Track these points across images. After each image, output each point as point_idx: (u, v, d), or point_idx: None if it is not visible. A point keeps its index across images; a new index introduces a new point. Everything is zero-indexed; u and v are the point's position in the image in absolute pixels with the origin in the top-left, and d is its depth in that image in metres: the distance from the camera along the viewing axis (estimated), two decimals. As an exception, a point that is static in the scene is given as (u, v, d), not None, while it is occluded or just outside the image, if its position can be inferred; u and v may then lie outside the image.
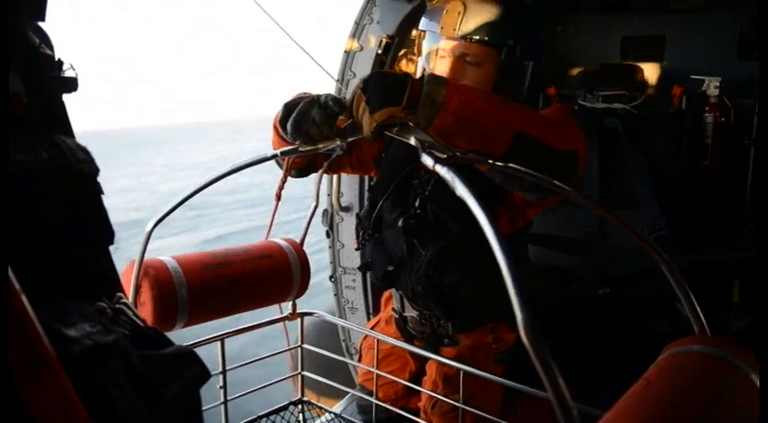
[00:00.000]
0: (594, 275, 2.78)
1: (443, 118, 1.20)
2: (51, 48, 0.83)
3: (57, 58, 0.83)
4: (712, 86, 2.78)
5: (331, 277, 3.06)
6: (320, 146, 1.34)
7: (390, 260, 1.83)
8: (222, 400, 1.69)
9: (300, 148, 1.37)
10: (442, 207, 1.69)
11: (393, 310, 2.06)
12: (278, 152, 1.39)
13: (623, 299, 2.69)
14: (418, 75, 1.78)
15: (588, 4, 3.11)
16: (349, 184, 2.90)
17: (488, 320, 1.83)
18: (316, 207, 1.79)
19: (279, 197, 1.74)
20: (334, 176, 2.86)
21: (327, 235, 3.01)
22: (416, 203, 1.73)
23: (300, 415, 1.87)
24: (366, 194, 2.84)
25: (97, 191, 0.76)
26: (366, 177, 2.81)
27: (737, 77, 2.69)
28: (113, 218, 0.76)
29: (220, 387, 1.68)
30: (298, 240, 1.79)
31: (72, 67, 0.84)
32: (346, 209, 2.92)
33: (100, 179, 0.75)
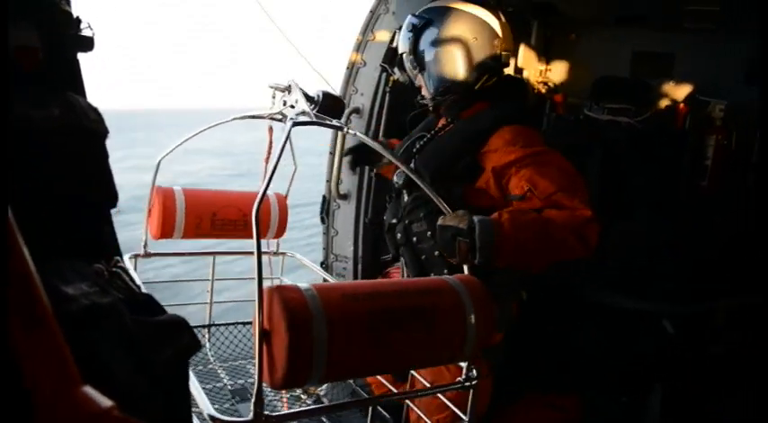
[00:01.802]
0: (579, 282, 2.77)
1: (499, 263, 1.58)
2: (70, 4, 0.82)
3: (75, 16, 0.82)
4: (717, 109, 2.78)
5: (322, 263, 3.04)
6: (265, 114, 1.65)
7: (396, 216, 1.98)
8: None
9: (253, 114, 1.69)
10: (422, 162, 1.93)
11: None
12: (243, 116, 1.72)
13: (609, 313, 2.69)
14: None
15: (603, 16, 3.11)
16: (349, 172, 2.85)
17: None
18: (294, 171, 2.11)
19: (267, 161, 2.03)
20: (335, 162, 2.84)
21: (322, 221, 2.99)
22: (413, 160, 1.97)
23: (208, 336, 2.19)
24: (365, 184, 2.85)
25: (104, 152, 0.75)
26: (366, 167, 2.79)
27: (743, 101, 2.69)
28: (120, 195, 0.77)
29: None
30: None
31: (89, 26, 0.83)
32: (344, 196, 2.90)
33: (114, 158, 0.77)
